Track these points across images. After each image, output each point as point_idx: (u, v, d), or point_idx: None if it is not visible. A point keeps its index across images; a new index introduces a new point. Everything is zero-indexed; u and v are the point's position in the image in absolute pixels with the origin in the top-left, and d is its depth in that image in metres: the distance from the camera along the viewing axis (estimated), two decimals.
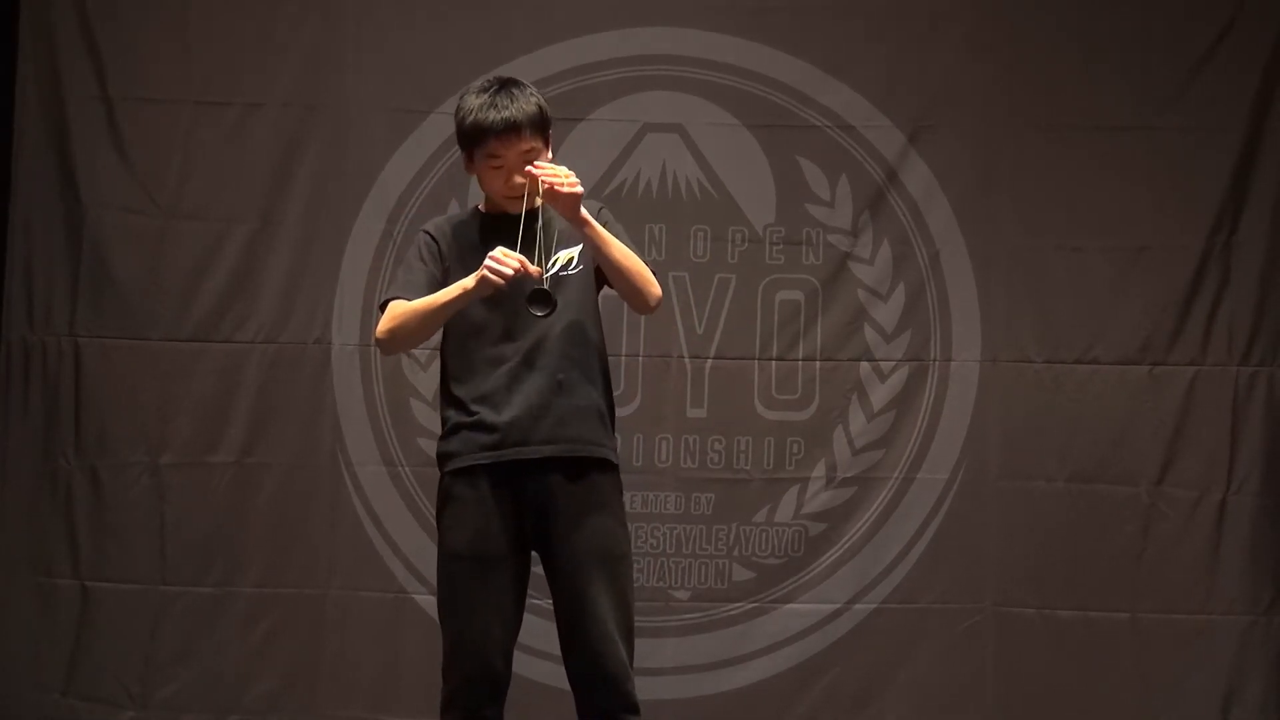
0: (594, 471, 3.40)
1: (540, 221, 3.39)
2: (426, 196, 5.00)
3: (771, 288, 5.02)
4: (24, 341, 4.99)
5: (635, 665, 3.44)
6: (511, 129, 3.38)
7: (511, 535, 3.39)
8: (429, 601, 4.95)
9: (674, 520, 5.00)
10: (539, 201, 3.35)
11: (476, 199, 5.00)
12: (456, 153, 4.98)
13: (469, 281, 3.29)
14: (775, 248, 5.03)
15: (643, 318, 4.91)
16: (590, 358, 3.45)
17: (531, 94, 3.47)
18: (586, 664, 3.36)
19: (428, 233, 3.53)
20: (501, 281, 3.23)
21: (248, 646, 4.93)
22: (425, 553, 4.95)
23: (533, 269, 3.25)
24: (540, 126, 3.45)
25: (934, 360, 5.01)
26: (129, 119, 4.98)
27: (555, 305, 3.24)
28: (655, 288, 3.47)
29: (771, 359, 5.02)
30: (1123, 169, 5.00)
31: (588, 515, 3.38)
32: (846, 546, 4.96)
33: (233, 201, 5.00)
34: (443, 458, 3.45)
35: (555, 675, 4.71)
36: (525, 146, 3.40)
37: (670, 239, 5.02)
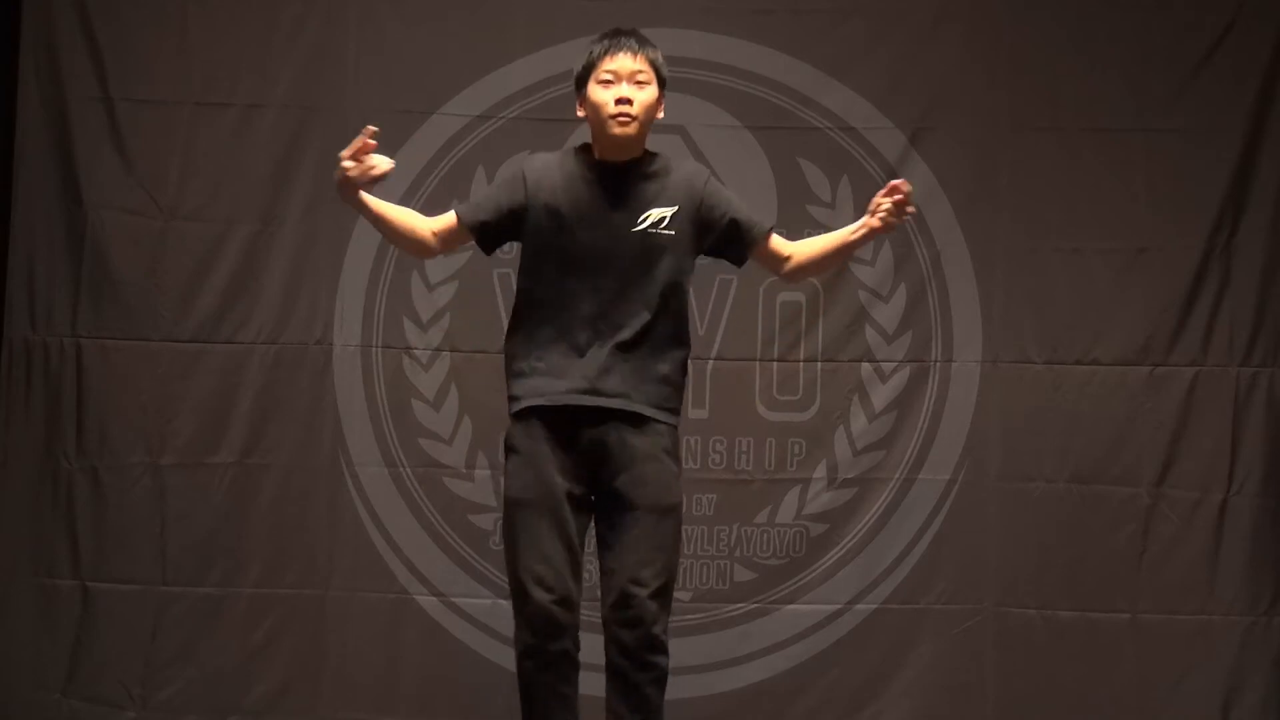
0: (650, 426, 3.48)
1: (641, 173, 3.54)
2: (427, 197, 5.00)
3: (773, 289, 5.02)
4: (25, 342, 4.99)
5: None
6: (627, 44, 3.52)
7: (570, 478, 3.47)
8: (430, 602, 4.96)
9: None
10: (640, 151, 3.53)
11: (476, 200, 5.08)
12: (457, 153, 5.07)
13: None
14: None
15: None
16: (663, 324, 3.51)
17: (645, 36, 3.60)
18: (615, 605, 3.43)
19: (519, 167, 3.64)
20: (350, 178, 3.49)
21: (248, 647, 4.93)
22: (426, 553, 4.97)
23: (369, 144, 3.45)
24: (656, 64, 3.56)
25: (935, 361, 5.01)
26: (130, 120, 4.98)
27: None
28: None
29: (773, 360, 5.02)
30: (1123, 170, 5.00)
31: (640, 464, 3.46)
32: (848, 547, 4.97)
33: (233, 202, 5.00)
34: (509, 402, 3.54)
35: None
36: (639, 65, 3.52)
37: None
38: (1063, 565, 4.95)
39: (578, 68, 3.56)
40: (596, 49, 3.54)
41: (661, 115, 3.61)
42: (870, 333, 5.02)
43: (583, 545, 3.51)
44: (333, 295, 5.01)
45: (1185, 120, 4.99)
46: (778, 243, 3.68)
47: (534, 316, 3.54)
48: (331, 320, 5.00)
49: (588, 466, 3.49)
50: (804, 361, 5.02)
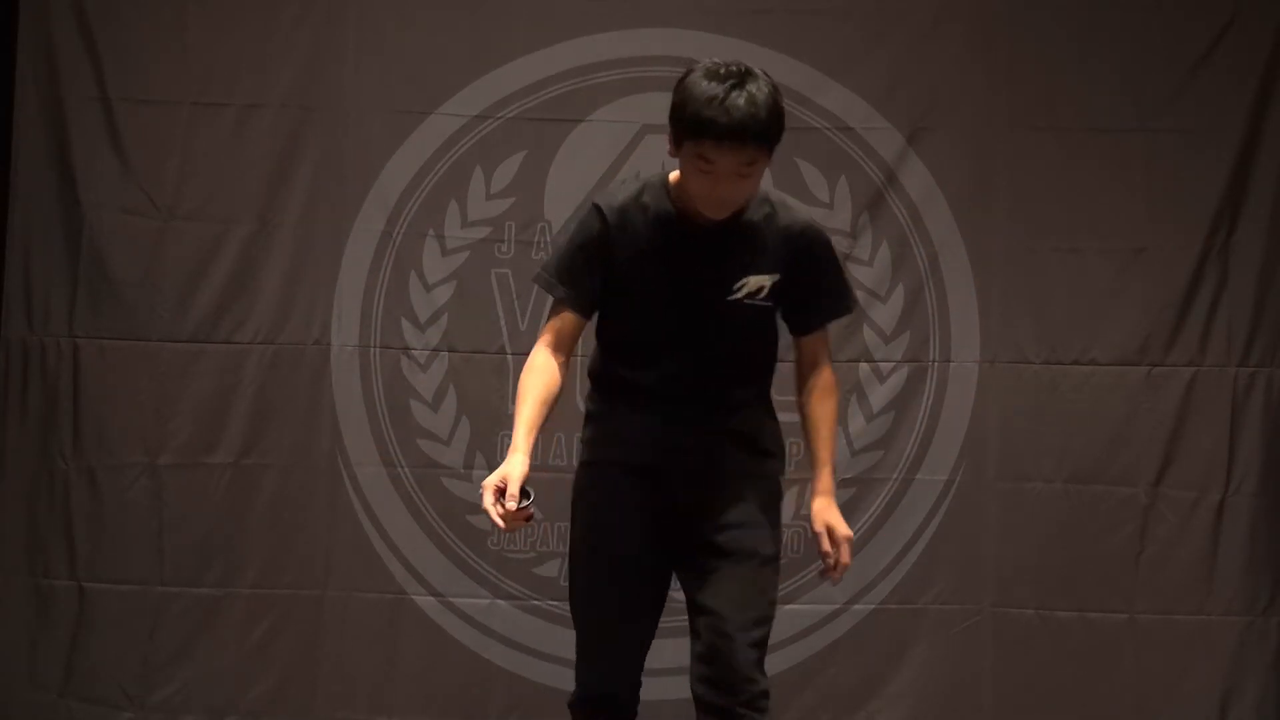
0: (747, 480, 3.19)
1: (735, 235, 3.10)
2: (426, 197, 5.00)
3: None
4: (23, 342, 4.98)
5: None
6: (736, 137, 2.92)
7: (647, 535, 3.18)
8: (428, 603, 4.96)
9: None
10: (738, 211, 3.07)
11: (477, 199, 5.09)
12: (455, 153, 5.06)
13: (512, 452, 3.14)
14: None
15: None
16: (755, 389, 3.21)
17: (769, 96, 2.96)
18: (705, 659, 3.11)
19: (600, 215, 3.12)
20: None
21: (246, 647, 4.92)
22: (424, 554, 4.96)
23: (509, 506, 3.12)
24: (770, 137, 2.97)
25: (933, 361, 5.02)
26: (128, 120, 4.98)
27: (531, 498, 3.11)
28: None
29: None
30: (1121, 170, 5.01)
31: (730, 512, 3.15)
32: None
33: (231, 202, 5.00)
34: (582, 446, 3.33)
35: (556, 676, 4.74)
36: (746, 159, 2.96)
37: None
38: (1061, 565, 4.95)
39: (681, 107, 2.98)
40: (705, 117, 2.92)
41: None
42: (868, 333, 5.02)
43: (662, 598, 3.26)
44: (331, 295, 5.00)
45: (1183, 120, 4.99)
46: (816, 346, 3.25)
47: (617, 371, 3.21)
48: (329, 320, 5.00)
49: (664, 519, 3.17)
50: None
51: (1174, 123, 5.00)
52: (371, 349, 4.99)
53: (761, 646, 3.11)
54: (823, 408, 3.25)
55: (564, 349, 3.18)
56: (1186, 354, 4.98)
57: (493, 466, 4.89)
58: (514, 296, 4.99)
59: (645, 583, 3.21)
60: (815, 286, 3.18)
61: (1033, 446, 4.98)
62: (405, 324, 5.01)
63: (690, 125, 2.96)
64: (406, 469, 4.97)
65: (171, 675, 4.91)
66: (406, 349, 5.01)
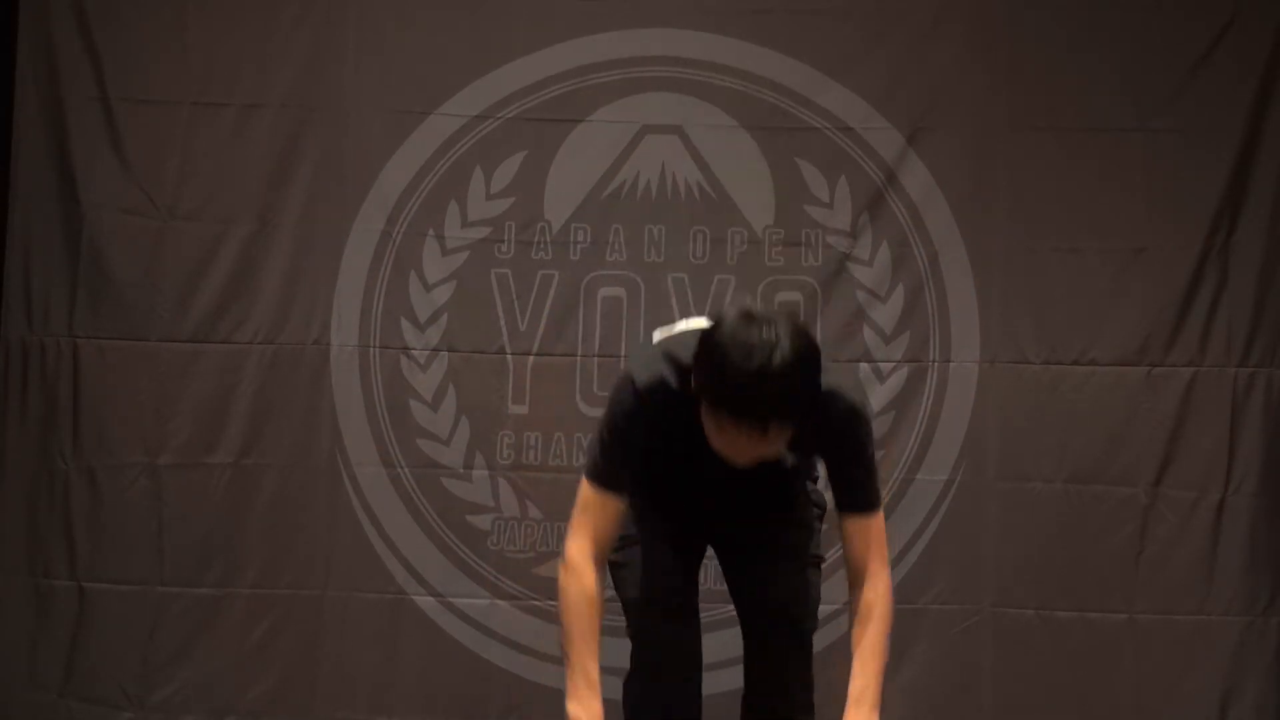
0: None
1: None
2: (425, 197, 5.00)
3: (771, 289, 5.02)
4: (22, 342, 4.98)
5: None
6: (758, 424, 2.86)
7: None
8: (428, 603, 4.95)
9: None
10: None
11: (477, 199, 5.09)
12: (455, 153, 5.07)
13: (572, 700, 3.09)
14: (774, 249, 5.03)
15: (642, 317, 4.94)
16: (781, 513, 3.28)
17: (797, 370, 2.83)
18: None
19: (636, 396, 3.12)
20: None
21: (246, 647, 4.92)
22: (424, 554, 4.96)
23: None
24: (794, 414, 2.88)
25: (933, 361, 5.02)
26: (127, 120, 4.98)
27: None
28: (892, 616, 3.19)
29: None
30: (1121, 171, 5.00)
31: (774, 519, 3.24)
32: None
33: (231, 202, 5.00)
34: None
35: (556, 676, 4.74)
36: (761, 451, 2.93)
37: (669, 240, 5.02)
38: (1060, 565, 4.95)
39: (700, 363, 2.91)
40: (729, 398, 2.84)
41: None
42: (868, 332, 5.02)
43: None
44: (330, 295, 5.00)
45: (1183, 120, 4.99)
46: (855, 535, 3.18)
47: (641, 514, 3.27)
48: (329, 320, 4.99)
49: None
50: None
51: (1174, 123, 5.00)
52: (371, 349, 4.99)
53: (809, 655, 3.21)
54: (865, 633, 3.12)
55: (602, 547, 3.15)
56: (1186, 354, 4.98)
57: (492, 466, 4.97)
58: (514, 296, 4.99)
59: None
60: (842, 469, 3.14)
61: (1033, 446, 4.98)
62: (405, 324, 5.01)
63: (711, 395, 2.88)
64: (406, 469, 4.97)
65: (171, 675, 4.90)
66: (406, 349, 5.01)
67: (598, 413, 4.53)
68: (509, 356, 4.98)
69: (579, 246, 5.01)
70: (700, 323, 3.11)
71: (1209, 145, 4.98)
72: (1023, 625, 4.94)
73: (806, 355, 2.85)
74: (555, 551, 4.88)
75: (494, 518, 4.94)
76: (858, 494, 3.15)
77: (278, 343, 4.98)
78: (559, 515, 4.92)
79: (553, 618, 4.84)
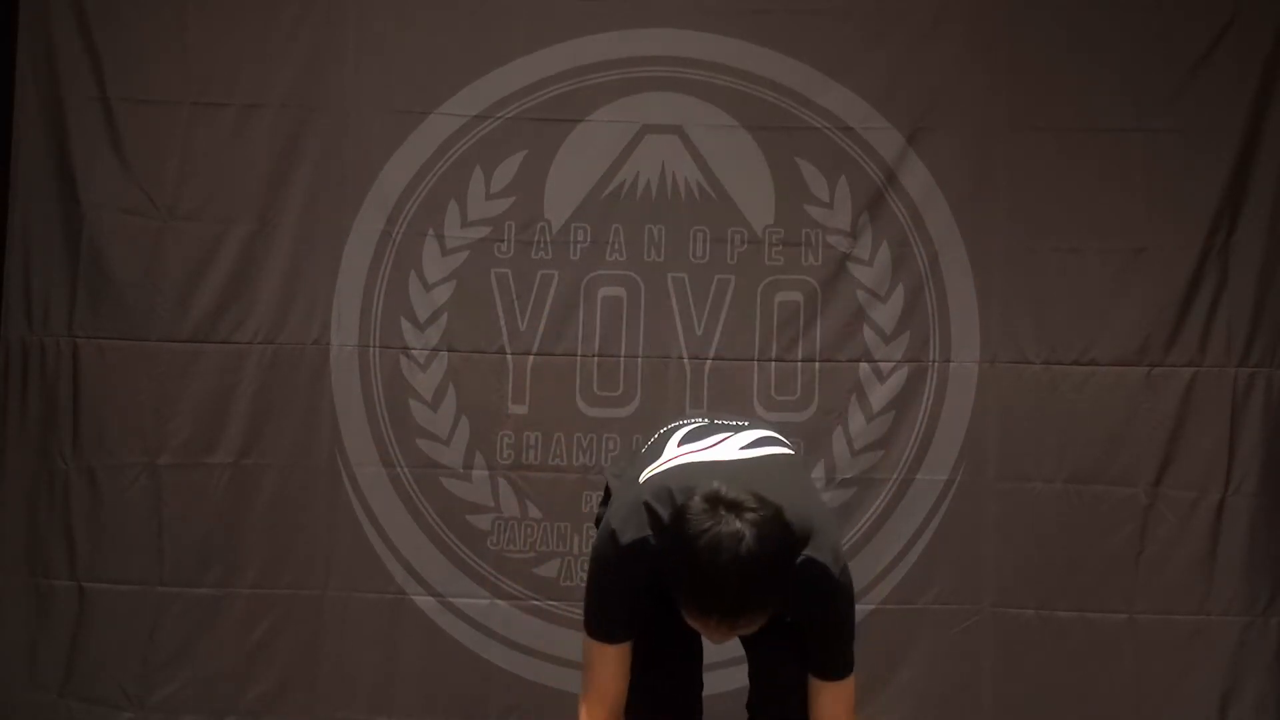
0: None
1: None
2: (425, 197, 5.00)
3: (771, 289, 5.02)
4: (22, 342, 4.98)
5: None
6: (726, 621, 2.86)
7: None
8: (427, 603, 4.95)
9: None
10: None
11: (476, 199, 5.09)
12: (454, 153, 5.07)
13: None
14: (774, 249, 5.03)
15: (643, 317, 4.95)
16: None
17: (761, 566, 2.81)
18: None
19: (620, 551, 3.06)
20: None
21: (245, 647, 4.92)
22: (423, 554, 4.96)
23: None
24: (762, 607, 2.87)
25: (933, 361, 5.02)
26: (127, 120, 4.98)
27: None
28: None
29: (771, 360, 5.02)
30: (1121, 170, 5.00)
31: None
32: (846, 547, 4.95)
33: (231, 202, 5.00)
34: None
35: (556, 676, 4.75)
36: (737, 634, 2.95)
37: (669, 240, 5.02)
38: (1060, 565, 4.95)
39: (669, 552, 2.92)
40: (688, 591, 2.83)
41: None
42: (868, 332, 5.02)
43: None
44: (330, 295, 5.00)
45: (1183, 120, 4.99)
46: (822, 699, 3.20)
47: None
48: (329, 320, 5.00)
49: None
50: (801, 361, 5.02)
51: (1174, 122, 5.00)
52: (371, 349, 4.99)
53: None
54: None
55: (613, 707, 3.14)
56: (1186, 354, 4.98)
57: (492, 466, 4.97)
58: (514, 296, 4.99)
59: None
60: (818, 633, 3.11)
61: (1032, 446, 4.98)
62: (405, 323, 5.01)
63: (679, 592, 2.87)
64: (406, 469, 4.97)
65: (171, 675, 4.91)
66: (406, 349, 5.01)
67: (598, 413, 4.56)
68: (509, 356, 4.98)
69: (579, 246, 5.01)
70: (691, 458, 3.10)
71: (1209, 145, 4.98)
72: (1023, 625, 4.94)
73: (773, 542, 2.83)
74: (555, 551, 4.90)
75: (494, 518, 4.94)
76: (835, 661, 3.15)
77: (278, 343, 4.98)
78: (559, 515, 4.93)
79: (553, 618, 4.86)
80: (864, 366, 5.01)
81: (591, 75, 5.03)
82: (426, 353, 5.00)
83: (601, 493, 3.70)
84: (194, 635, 4.91)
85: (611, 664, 3.10)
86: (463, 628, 4.96)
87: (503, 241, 5.02)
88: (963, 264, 5.02)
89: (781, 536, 2.84)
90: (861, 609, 4.95)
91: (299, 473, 4.96)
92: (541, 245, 5.00)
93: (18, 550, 4.95)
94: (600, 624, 3.11)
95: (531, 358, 4.99)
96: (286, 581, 4.93)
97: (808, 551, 3.01)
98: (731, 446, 3.26)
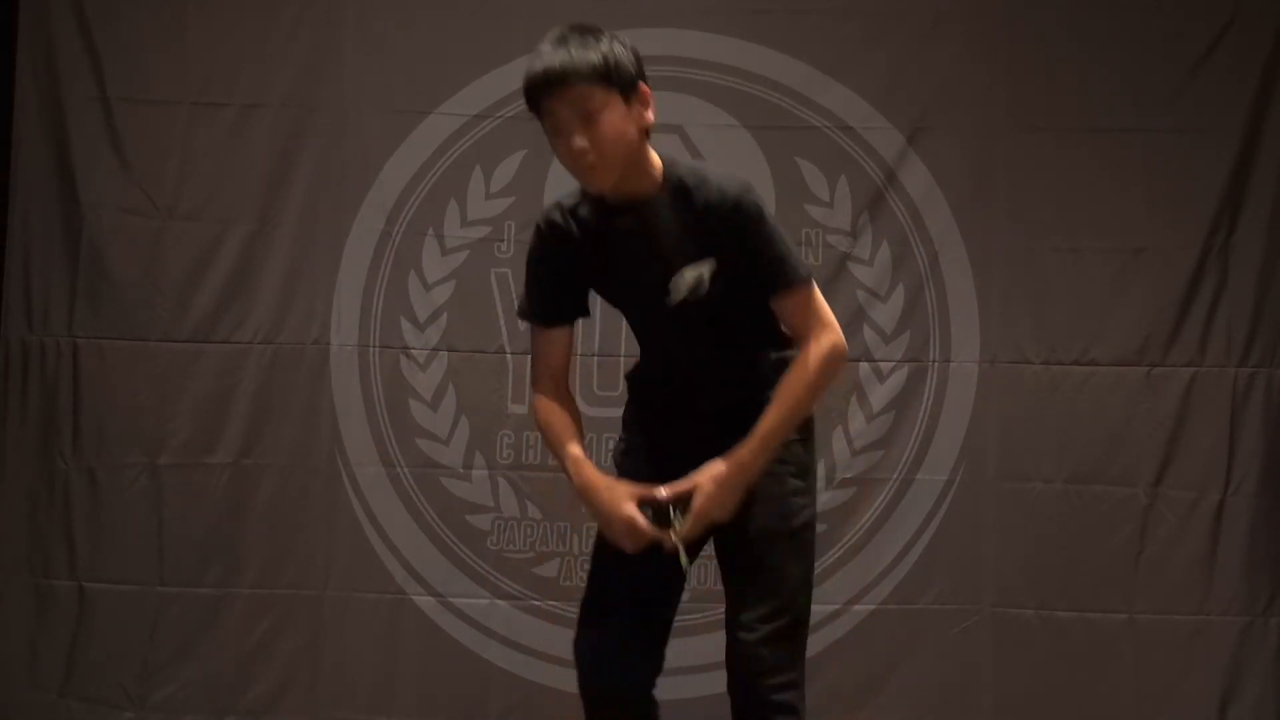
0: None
1: (651, 226, 2.98)
2: (425, 197, 5.00)
3: None
4: (22, 342, 4.98)
5: None
6: (558, 80, 2.87)
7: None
8: (427, 603, 4.95)
9: None
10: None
11: (476, 199, 5.09)
12: (454, 153, 5.07)
13: (579, 482, 3.00)
14: None
15: None
16: (745, 371, 3.04)
17: (594, 38, 2.93)
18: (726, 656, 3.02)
19: (537, 231, 3.10)
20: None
21: (245, 647, 4.92)
22: (423, 554, 4.96)
23: (667, 545, 2.92)
24: (597, 71, 2.88)
25: (933, 361, 5.01)
26: (127, 120, 4.98)
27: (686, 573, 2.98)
28: (830, 373, 3.01)
29: None
30: (1121, 170, 5.01)
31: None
32: (846, 547, 4.96)
33: (231, 202, 5.00)
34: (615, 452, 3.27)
35: (556, 676, 4.74)
36: (578, 100, 2.87)
37: None
38: (1060, 565, 4.95)
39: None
40: (527, 72, 2.93)
41: (650, 119, 3.01)
42: (868, 332, 5.02)
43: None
44: (330, 295, 5.00)
45: (1183, 120, 4.99)
46: (785, 310, 3.03)
47: (634, 370, 3.20)
48: (329, 320, 5.00)
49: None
50: None
51: (1174, 122, 5.00)
52: (371, 349, 4.99)
53: (775, 641, 2.98)
54: (785, 378, 2.98)
55: (557, 378, 3.14)
56: (1186, 354, 4.98)
57: (492, 466, 4.96)
58: (513, 296, 4.99)
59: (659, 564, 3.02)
60: (752, 265, 2.97)
61: (1032, 447, 4.98)
62: (404, 323, 5.01)
63: (526, 93, 2.95)
64: (406, 469, 4.97)
65: (171, 675, 4.91)
66: (406, 348, 5.01)
67: (599, 413, 4.55)
68: (509, 356, 4.98)
69: None
70: None
71: (1209, 145, 4.98)
72: (1023, 625, 4.94)
73: (586, 25, 2.96)
74: (555, 551, 4.89)
75: (494, 517, 4.94)
76: (776, 273, 2.99)
77: (277, 343, 4.98)
78: (559, 515, 4.93)
79: (553, 618, 4.86)
80: (864, 366, 5.01)
81: None
82: (426, 352, 5.00)
83: None
84: (194, 635, 4.91)
85: (551, 346, 3.13)
86: (462, 628, 4.96)
87: (502, 241, 5.02)
88: (963, 264, 5.02)
89: (593, 26, 3.03)
90: (861, 609, 4.96)
91: (299, 473, 4.96)
92: None
93: (18, 550, 4.95)
94: (532, 303, 3.14)
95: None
96: (286, 581, 4.93)
97: (700, 171, 3.04)
98: None
